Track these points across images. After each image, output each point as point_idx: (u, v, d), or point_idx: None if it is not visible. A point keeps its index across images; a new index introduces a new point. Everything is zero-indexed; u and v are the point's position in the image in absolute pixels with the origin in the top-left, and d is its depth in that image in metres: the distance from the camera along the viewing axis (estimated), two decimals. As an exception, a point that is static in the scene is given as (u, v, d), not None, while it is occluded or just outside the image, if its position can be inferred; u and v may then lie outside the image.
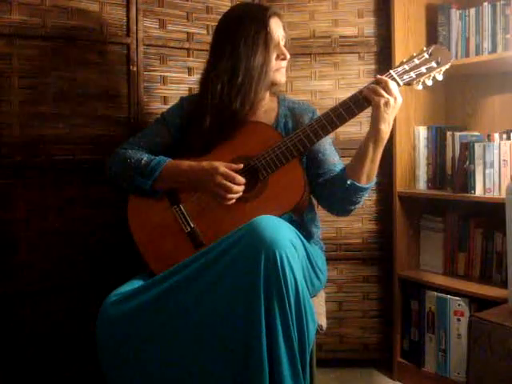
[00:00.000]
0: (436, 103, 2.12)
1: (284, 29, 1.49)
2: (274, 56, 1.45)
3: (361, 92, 1.32)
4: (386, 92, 1.28)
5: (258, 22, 1.42)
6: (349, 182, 1.34)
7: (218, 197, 1.35)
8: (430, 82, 1.36)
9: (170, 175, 1.38)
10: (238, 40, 1.41)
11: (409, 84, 1.34)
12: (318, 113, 1.54)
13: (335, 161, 1.48)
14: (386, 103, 1.28)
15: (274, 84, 1.49)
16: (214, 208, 1.37)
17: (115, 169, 1.45)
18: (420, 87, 1.36)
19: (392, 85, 1.29)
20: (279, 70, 1.48)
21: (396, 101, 1.29)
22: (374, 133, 1.31)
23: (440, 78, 1.37)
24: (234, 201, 1.34)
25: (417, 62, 1.34)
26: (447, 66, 1.35)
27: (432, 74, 1.35)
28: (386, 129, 1.31)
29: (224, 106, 1.40)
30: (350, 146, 1.95)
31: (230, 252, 1.16)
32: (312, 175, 1.47)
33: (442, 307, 1.85)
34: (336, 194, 1.39)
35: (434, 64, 1.34)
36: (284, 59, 1.48)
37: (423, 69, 1.34)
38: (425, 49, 1.36)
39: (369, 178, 1.36)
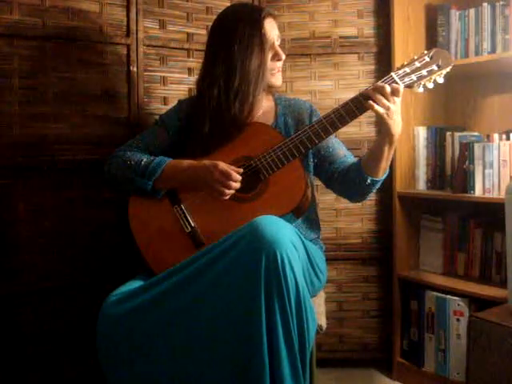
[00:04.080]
0: (435, 103, 2.12)
1: (279, 29, 1.49)
2: (269, 57, 1.45)
3: (361, 94, 1.33)
4: (386, 99, 1.29)
5: (253, 24, 1.42)
6: (369, 181, 1.40)
7: (216, 192, 1.35)
8: (430, 85, 1.36)
9: (170, 175, 1.38)
10: (232, 42, 1.40)
11: (410, 87, 1.35)
12: (315, 108, 1.56)
13: (345, 152, 1.52)
14: (389, 111, 1.29)
15: (270, 87, 1.50)
16: (214, 208, 1.37)
17: (115, 171, 1.45)
18: (421, 90, 1.36)
19: (388, 90, 1.29)
20: (275, 71, 1.48)
21: (395, 104, 1.30)
22: (390, 137, 1.33)
23: (441, 80, 1.37)
24: (229, 195, 1.35)
25: (418, 64, 1.34)
26: (448, 69, 1.36)
27: (433, 77, 1.35)
28: (398, 130, 1.34)
29: (223, 111, 1.40)
30: (350, 146, 1.94)
31: (230, 252, 1.17)
32: (326, 171, 1.51)
33: (441, 307, 1.85)
34: (357, 189, 1.44)
35: (434, 67, 1.34)
36: (279, 60, 1.48)
37: (424, 72, 1.34)
38: (426, 52, 1.36)
39: (384, 170, 1.42)
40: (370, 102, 1.29)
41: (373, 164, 1.38)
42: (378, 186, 1.44)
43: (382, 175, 1.41)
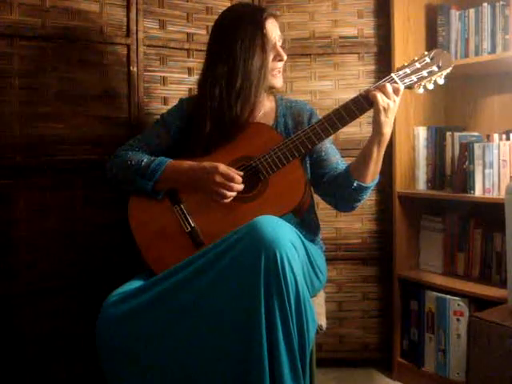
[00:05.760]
0: (435, 104, 2.12)
1: (280, 29, 1.49)
2: (271, 57, 1.45)
3: (361, 94, 1.33)
4: (386, 96, 1.29)
5: (254, 24, 1.42)
6: (355, 184, 1.37)
7: (217, 195, 1.35)
8: (431, 86, 1.37)
9: (171, 176, 1.38)
10: (234, 43, 1.40)
11: (410, 87, 1.35)
12: (316, 111, 1.56)
13: (337, 159, 1.50)
14: (387, 108, 1.29)
15: (271, 88, 1.50)
16: (214, 208, 1.37)
17: (116, 171, 1.45)
18: (421, 91, 1.37)
19: (389, 88, 1.30)
20: (275, 73, 1.48)
21: (395, 103, 1.31)
22: (379, 136, 1.33)
23: (441, 82, 1.37)
24: (232, 198, 1.35)
25: (418, 65, 1.35)
26: (448, 71, 1.36)
27: (433, 78, 1.35)
28: (389, 131, 1.33)
29: (224, 111, 1.40)
30: (349, 147, 1.96)
31: (230, 252, 1.17)
32: (316, 175, 1.50)
33: (441, 307, 1.85)
34: (342, 194, 1.42)
35: (435, 68, 1.35)
36: (281, 60, 1.48)
37: (424, 73, 1.34)
38: (426, 53, 1.36)
39: (373, 176, 1.38)
40: (374, 92, 1.29)
41: (361, 167, 1.36)
42: (365, 194, 1.41)
43: (369, 181, 1.38)
